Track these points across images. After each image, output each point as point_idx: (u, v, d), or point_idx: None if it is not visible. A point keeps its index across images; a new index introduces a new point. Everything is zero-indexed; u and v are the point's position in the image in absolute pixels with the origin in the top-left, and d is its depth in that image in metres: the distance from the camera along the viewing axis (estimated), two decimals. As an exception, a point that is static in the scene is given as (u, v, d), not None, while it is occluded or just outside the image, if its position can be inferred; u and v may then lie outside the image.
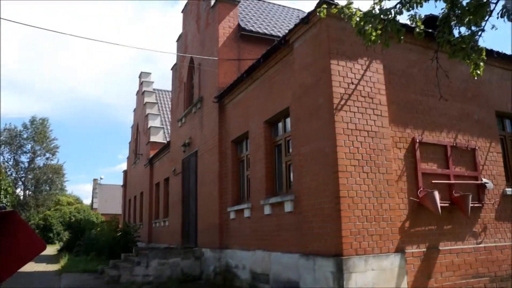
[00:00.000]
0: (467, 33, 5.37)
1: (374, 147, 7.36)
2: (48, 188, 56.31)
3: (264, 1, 17.58)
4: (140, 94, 28.37)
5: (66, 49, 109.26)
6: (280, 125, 9.72)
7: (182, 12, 18.05)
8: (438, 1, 5.23)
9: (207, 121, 13.38)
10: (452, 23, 5.32)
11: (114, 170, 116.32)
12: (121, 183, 35.03)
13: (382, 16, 5.32)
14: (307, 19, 7.85)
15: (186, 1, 17.54)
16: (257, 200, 9.91)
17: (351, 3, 5.65)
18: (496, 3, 4.99)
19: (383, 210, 7.17)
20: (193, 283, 12.09)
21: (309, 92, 7.86)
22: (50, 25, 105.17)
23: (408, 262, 7.24)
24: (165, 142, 21.86)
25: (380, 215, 7.11)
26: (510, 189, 8.97)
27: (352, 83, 7.44)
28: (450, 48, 5.62)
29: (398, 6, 5.27)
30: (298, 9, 18.43)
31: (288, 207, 8.54)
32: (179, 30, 19.43)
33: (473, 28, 5.26)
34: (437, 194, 7.50)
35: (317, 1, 7.40)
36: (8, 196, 20.15)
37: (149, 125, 24.46)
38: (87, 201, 63.39)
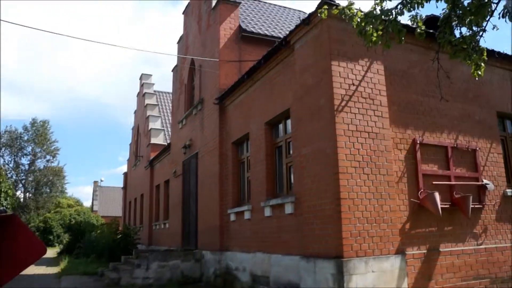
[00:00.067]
0: (468, 34, 5.36)
1: (375, 149, 7.35)
2: (48, 190, 56.27)
3: (265, 2, 17.59)
4: (141, 96, 28.38)
5: (65, 49, 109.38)
6: (281, 126, 9.70)
7: (183, 13, 18.07)
8: (439, 2, 5.23)
9: (207, 122, 13.37)
10: (453, 23, 5.31)
11: (115, 172, 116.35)
12: (122, 185, 35.00)
13: (383, 16, 5.32)
14: (308, 20, 7.85)
15: (187, 2, 17.57)
16: (257, 202, 9.89)
17: (352, 4, 5.65)
18: (497, 3, 4.98)
19: (384, 211, 7.15)
20: (193, 285, 12.06)
21: (310, 93, 7.85)
22: (50, 24, 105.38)
23: (408, 264, 7.22)
24: (166, 144, 21.85)
25: (380, 217, 7.09)
26: (510, 190, 8.95)
27: (353, 84, 7.43)
28: (451, 48, 5.61)
29: (399, 6, 5.27)
30: (299, 10, 18.44)
31: (288, 209, 8.52)
32: (179, 30, 19.44)
33: (474, 28, 5.25)
34: (437, 196, 7.49)
35: (318, 2, 7.39)
36: (8, 198, 20.09)
37: (149, 127, 24.46)
38: (87, 203, 63.43)
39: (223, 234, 11.68)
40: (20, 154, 54.81)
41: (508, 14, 4.74)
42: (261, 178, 9.93)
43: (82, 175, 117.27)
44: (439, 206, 7.43)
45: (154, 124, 24.74)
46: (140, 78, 29.16)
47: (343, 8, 5.71)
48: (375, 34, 5.48)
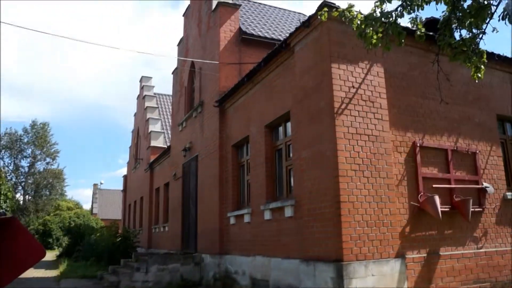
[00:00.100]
0: (468, 36, 5.36)
1: (375, 152, 7.33)
2: (48, 193, 56.20)
3: (265, 5, 17.61)
4: (141, 98, 28.40)
5: (65, 50, 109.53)
6: (281, 129, 9.69)
7: (183, 15, 18.09)
8: (439, 4, 5.22)
9: (207, 125, 13.36)
10: (453, 26, 5.31)
11: (114, 175, 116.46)
12: (121, 188, 34.99)
13: (383, 19, 5.32)
14: (308, 23, 7.84)
15: (187, 5, 17.60)
16: (257, 205, 9.86)
17: (352, 6, 5.64)
18: (497, 6, 4.98)
19: (384, 215, 7.13)
20: (192, 288, 12.03)
21: (310, 96, 7.83)
22: (50, 25, 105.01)
23: (408, 267, 7.19)
24: (166, 146, 21.83)
25: (380, 220, 7.06)
26: (510, 193, 8.93)
27: (353, 86, 7.42)
28: (451, 51, 5.61)
29: (399, 9, 5.27)
30: (299, 13, 18.46)
31: (288, 212, 8.49)
32: (179, 32, 19.46)
33: (474, 30, 5.26)
34: (437, 199, 7.46)
35: (318, 5, 7.39)
36: (7, 201, 20.10)
37: (149, 130, 24.45)
38: (87, 206, 63.40)
39: (223, 237, 11.65)
40: (19, 156, 54.81)
41: (507, 16, 4.72)
42: (261, 181, 9.91)
43: (82, 178, 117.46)
44: (439, 209, 7.41)
45: (154, 127, 24.73)
46: (140, 81, 29.18)
47: (343, 10, 5.69)
48: (375, 37, 5.48)
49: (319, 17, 6.39)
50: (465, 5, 5.05)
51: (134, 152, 29.77)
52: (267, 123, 9.85)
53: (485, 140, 8.97)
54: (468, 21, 5.08)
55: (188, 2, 17.51)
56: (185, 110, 16.25)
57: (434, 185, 7.89)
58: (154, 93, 28.39)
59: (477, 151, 8.70)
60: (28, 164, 55.17)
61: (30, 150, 55.14)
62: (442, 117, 8.49)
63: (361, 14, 5.58)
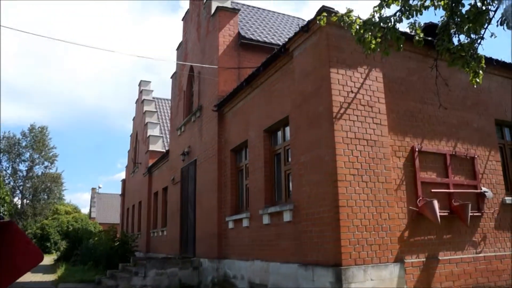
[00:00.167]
0: (466, 41, 5.39)
1: (374, 156, 7.34)
2: (46, 197, 56.08)
3: (264, 9, 17.66)
4: (140, 102, 28.41)
5: (64, 53, 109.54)
6: (280, 133, 9.69)
7: (182, 20, 18.14)
8: (437, 9, 5.25)
9: (206, 129, 13.36)
10: (452, 31, 5.33)
11: (113, 179, 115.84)
12: (120, 192, 34.92)
13: (381, 24, 5.33)
14: (307, 27, 7.86)
15: (186, 9, 17.63)
16: (256, 210, 9.85)
17: (351, 11, 5.65)
18: (495, 11, 5.00)
19: (382, 219, 7.12)
20: (191, 293, 12.00)
21: (309, 101, 7.84)
22: (49, 25, 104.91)
23: (407, 272, 7.18)
24: (164, 151, 21.84)
25: (379, 225, 7.06)
26: (509, 198, 8.94)
27: (352, 91, 7.43)
28: (450, 56, 5.63)
29: (397, 14, 5.29)
30: (298, 18, 18.52)
31: (287, 216, 8.48)
32: (179, 36, 19.49)
33: (472, 36, 5.27)
34: (436, 203, 7.46)
35: (317, 10, 7.41)
36: (5, 204, 20.02)
37: (148, 134, 24.45)
38: (85, 210, 63.15)
39: (221, 241, 11.63)
40: (18, 160, 54.75)
41: (506, 22, 4.75)
42: (259, 185, 9.90)
43: (80, 182, 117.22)
44: (438, 214, 7.41)
45: (153, 131, 24.74)
46: (139, 85, 29.19)
47: (342, 15, 5.71)
48: (373, 42, 5.49)
49: (318, 22, 6.40)
50: (463, 10, 5.07)
51: (132, 156, 29.75)
52: (266, 128, 9.86)
53: (484, 145, 8.99)
54: (467, 27, 5.10)
55: (188, 7, 17.56)
56: (183, 114, 16.25)
57: (432, 190, 7.90)
58: (153, 97, 28.41)
59: (476, 156, 8.71)
60: (26, 168, 55.13)
61: (28, 154, 55.16)
62: (441, 122, 8.50)
63: (360, 19, 5.60)
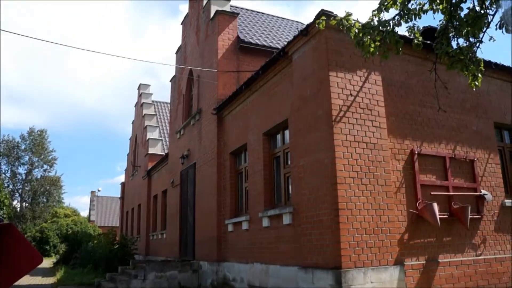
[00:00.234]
0: (465, 45, 5.40)
1: (373, 159, 7.35)
2: (45, 200, 56.09)
3: (263, 13, 17.70)
4: (139, 105, 28.42)
5: (64, 56, 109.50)
6: (279, 137, 9.71)
7: (181, 24, 18.16)
8: (436, 13, 5.26)
9: (205, 133, 13.38)
10: (450, 34, 5.34)
11: (112, 182, 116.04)
12: (119, 195, 34.90)
13: (380, 27, 5.35)
14: (306, 31, 7.88)
15: (185, 13, 17.67)
16: (255, 213, 9.86)
17: (350, 14, 5.67)
18: (493, 15, 5.02)
19: (382, 222, 7.13)
20: (190, 296, 11.99)
21: (308, 104, 7.86)
22: (49, 26, 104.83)
23: (407, 274, 7.18)
24: (164, 154, 21.84)
25: (379, 227, 7.07)
26: (509, 200, 8.95)
27: (351, 94, 7.45)
28: (449, 59, 5.65)
29: (396, 17, 5.30)
30: (297, 21, 18.56)
31: (286, 219, 8.49)
32: (178, 40, 19.49)
33: (471, 39, 5.29)
34: (436, 206, 7.47)
35: (316, 13, 7.44)
36: (4, 208, 20.00)
37: (147, 137, 24.45)
38: (84, 213, 63.04)
39: (221, 244, 11.63)
40: (17, 163, 54.81)
41: (504, 25, 4.77)
42: (259, 188, 9.91)
43: (80, 185, 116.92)
44: (438, 216, 7.42)
45: (152, 134, 24.73)
46: (138, 88, 29.20)
47: (341, 19, 5.72)
48: (372, 45, 5.51)
49: (317, 25, 6.42)
50: (462, 14, 5.09)
51: (132, 159, 29.74)
52: (265, 131, 9.88)
53: (483, 148, 9.01)
54: (465, 30, 5.12)
55: (187, 11, 17.60)
56: (183, 118, 16.27)
57: (432, 193, 7.91)
58: (152, 101, 28.42)
59: (475, 159, 8.73)
60: (26, 171, 55.19)
61: (27, 157, 55.19)
62: (440, 125, 8.52)
63: (359, 22, 5.61)
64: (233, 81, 12.69)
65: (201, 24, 15.07)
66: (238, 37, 13.38)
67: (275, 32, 15.78)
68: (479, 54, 5.60)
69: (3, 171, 53.47)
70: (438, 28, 5.49)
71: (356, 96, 7.50)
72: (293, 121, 8.56)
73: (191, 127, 14.94)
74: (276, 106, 9.43)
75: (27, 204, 54.98)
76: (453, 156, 8.44)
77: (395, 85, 8.21)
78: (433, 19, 6.32)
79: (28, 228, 44.77)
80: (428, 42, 7.64)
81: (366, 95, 7.64)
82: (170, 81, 19.17)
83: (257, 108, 10.43)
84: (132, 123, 31.06)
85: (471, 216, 7.96)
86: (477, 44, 5.38)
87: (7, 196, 21.91)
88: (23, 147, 54.93)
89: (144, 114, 26.08)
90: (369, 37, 5.44)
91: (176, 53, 18.54)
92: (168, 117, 25.43)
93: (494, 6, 4.97)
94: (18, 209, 52.55)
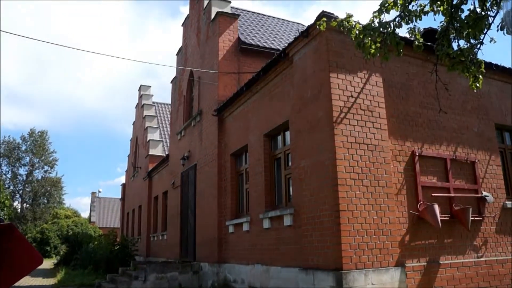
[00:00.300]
0: (466, 46, 5.40)
1: (374, 160, 7.34)
2: (46, 201, 56.04)
3: (264, 15, 17.72)
4: (140, 107, 28.43)
5: (64, 56, 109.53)
6: (280, 138, 9.71)
7: (182, 25, 18.18)
8: (437, 15, 5.27)
9: (206, 134, 13.38)
10: (451, 36, 5.34)
11: (113, 183, 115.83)
12: (120, 197, 34.89)
13: (381, 29, 5.34)
14: (307, 33, 7.89)
15: (186, 14, 17.68)
16: (256, 214, 9.85)
17: (351, 16, 5.67)
18: (494, 17, 5.02)
19: (383, 223, 7.12)
20: (191, 297, 11.97)
21: (309, 105, 7.86)
22: (49, 25, 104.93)
23: (408, 276, 7.17)
24: (164, 155, 21.84)
25: (380, 229, 7.06)
26: (510, 202, 8.94)
27: (352, 96, 7.45)
28: (449, 61, 5.64)
29: (397, 19, 5.30)
30: (298, 23, 18.58)
31: (287, 220, 8.48)
32: (179, 41, 19.53)
33: (472, 41, 5.29)
34: (437, 208, 7.46)
35: (317, 15, 7.44)
36: (5, 208, 20.02)
37: (148, 138, 24.46)
38: (85, 214, 63.01)
39: (222, 246, 11.62)
40: (17, 164, 54.75)
41: (505, 27, 4.76)
42: (259, 190, 9.91)
43: (80, 186, 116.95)
44: (439, 218, 7.41)
45: (153, 135, 24.74)
46: (139, 89, 29.21)
47: (342, 20, 5.72)
48: (373, 47, 5.51)
49: (317, 27, 6.42)
50: (463, 16, 5.09)
51: (132, 160, 29.75)
52: (266, 132, 9.88)
53: (484, 149, 9.00)
54: (466, 32, 5.11)
55: (187, 12, 17.62)
56: (183, 119, 16.27)
57: (433, 194, 7.90)
58: (153, 102, 28.43)
59: (476, 160, 8.72)
60: (26, 172, 55.13)
61: (28, 158, 55.14)
62: (441, 127, 8.52)
63: (360, 24, 5.61)
64: (233, 83, 12.70)
65: (202, 26, 15.08)
66: (238, 38, 13.39)
67: (275, 34, 15.79)
68: (480, 56, 5.60)
69: (4, 172, 53.52)
70: (439, 29, 5.49)
71: (357, 97, 7.50)
72: (294, 122, 8.56)
73: (192, 128, 14.95)
74: (277, 107, 9.43)
75: (27, 205, 54.96)
76: (454, 157, 8.43)
77: (396, 87, 8.20)
78: (434, 21, 6.34)
79: (29, 229, 44.75)
80: (429, 43, 7.63)
81: (367, 96, 7.64)
82: (171, 82, 19.19)
83: (257, 110, 10.43)
84: (133, 124, 31.06)
85: (472, 218, 7.94)
86: (478, 46, 5.37)
87: (8, 197, 21.93)
88: (23, 148, 54.94)
89: (145, 115, 26.09)
90: (369, 38, 5.44)
91: (177, 54, 18.55)
92: (169, 118, 25.44)
93: (495, 7, 4.98)
94: (19, 210, 52.53)
